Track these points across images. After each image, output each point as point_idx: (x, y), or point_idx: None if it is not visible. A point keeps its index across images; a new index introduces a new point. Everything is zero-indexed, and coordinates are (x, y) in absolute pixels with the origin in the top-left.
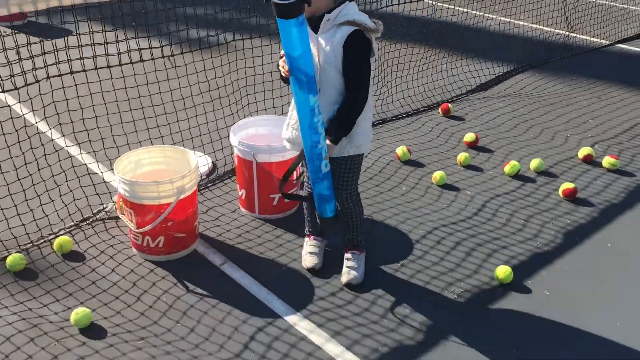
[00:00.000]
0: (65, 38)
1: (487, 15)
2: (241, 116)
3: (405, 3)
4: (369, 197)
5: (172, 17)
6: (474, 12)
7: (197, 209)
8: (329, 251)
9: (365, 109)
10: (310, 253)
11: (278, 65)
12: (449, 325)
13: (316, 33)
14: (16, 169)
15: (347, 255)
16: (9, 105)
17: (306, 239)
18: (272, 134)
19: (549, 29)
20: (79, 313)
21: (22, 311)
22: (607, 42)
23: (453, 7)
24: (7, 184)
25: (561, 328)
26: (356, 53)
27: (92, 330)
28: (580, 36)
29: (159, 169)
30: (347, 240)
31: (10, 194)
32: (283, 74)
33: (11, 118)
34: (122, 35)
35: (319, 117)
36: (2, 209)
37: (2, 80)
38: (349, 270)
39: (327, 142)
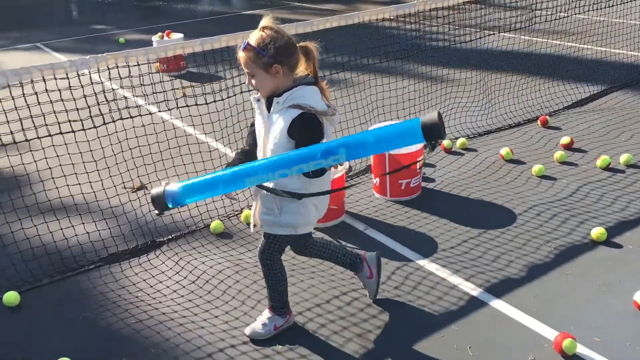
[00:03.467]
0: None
1: (581, 45)
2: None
3: (501, 39)
4: (478, 186)
5: None
6: (569, 43)
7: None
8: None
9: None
10: None
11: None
12: (548, 270)
13: (269, 112)
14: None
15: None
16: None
17: None
18: None
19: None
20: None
21: (226, 256)
22: None
23: (547, 40)
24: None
25: None
26: (300, 135)
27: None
28: None
29: None
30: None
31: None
32: None
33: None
34: None
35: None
36: None
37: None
38: (255, 325)
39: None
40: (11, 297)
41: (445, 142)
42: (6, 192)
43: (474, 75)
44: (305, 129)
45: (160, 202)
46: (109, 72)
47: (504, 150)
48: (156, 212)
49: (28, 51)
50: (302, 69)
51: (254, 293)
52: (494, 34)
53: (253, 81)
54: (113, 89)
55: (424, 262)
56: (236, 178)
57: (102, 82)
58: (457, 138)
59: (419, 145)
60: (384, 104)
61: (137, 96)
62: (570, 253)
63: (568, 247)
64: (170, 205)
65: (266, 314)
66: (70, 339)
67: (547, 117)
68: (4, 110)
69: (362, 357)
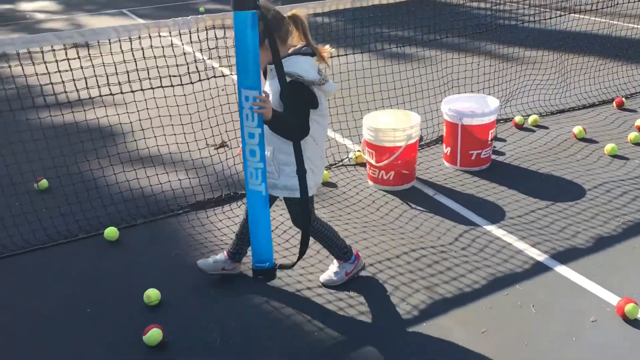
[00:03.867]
0: None
1: None
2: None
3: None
4: (548, 161)
5: None
6: None
7: (416, 154)
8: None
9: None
10: None
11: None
12: (615, 242)
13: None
14: None
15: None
16: None
17: None
18: (472, 106)
19: None
20: None
21: None
22: None
23: (627, 23)
24: None
25: None
26: (288, 102)
27: (350, 224)
28: None
29: (389, 128)
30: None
31: None
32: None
33: None
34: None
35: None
36: None
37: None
38: (328, 273)
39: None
40: (111, 232)
41: (517, 118)
42: (111, 138)
43: (550, 54)
44: (291, 96)
45: (258, 273)
46: (206, 33)
47: (576, 129)
48: (268, 279)
49: (114, 17)
50: (295, 39)
51: None
52: (565, 14)
53: None
54: (184, 52)
55: (491, 228)
56: (254, 196)
57: (171, 45)
58: (529, 115)
59: (492, 118)
60: (459, 77)
61: (223, 58)
62: (639, 228)
63: (636, 222)
64: (270, 266)
65: (335, 263)
66: (161, 273)
67: (623, 99)
68: (114, 62)
69: (429, 306)
